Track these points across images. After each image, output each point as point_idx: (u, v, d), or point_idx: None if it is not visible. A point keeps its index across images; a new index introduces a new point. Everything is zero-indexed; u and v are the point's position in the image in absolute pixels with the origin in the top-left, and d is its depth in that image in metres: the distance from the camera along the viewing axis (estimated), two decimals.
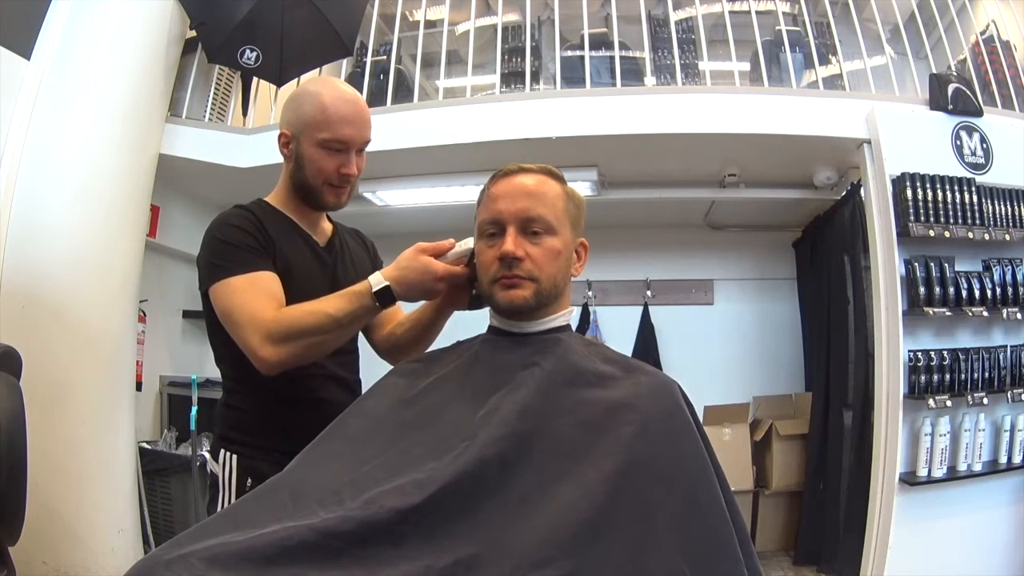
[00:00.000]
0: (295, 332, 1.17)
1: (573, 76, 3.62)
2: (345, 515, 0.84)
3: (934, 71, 3.13)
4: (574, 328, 1.17)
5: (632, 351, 4.23)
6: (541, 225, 1.07)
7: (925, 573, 2.61)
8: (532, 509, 0.87)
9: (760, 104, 3.02)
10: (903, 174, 2.78)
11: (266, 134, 3.21)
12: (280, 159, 1.37)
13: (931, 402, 2.65)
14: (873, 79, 3.23)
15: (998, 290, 2.79)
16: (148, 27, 2.97)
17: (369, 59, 3.73)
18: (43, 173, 2.70)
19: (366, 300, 1.18)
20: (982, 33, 3.53)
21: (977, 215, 2.80)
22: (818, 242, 3.87)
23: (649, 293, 4.39)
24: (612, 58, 3.57)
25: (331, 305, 1.19)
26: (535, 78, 3.97)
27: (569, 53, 3.84)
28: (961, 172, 2.84)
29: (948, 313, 2.72)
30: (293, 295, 1.24)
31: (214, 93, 3.60)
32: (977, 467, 2.74)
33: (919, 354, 2.70)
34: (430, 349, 1.36)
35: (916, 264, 2.74)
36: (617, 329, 4.30)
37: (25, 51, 2.73)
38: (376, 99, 3.55)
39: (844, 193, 3.41)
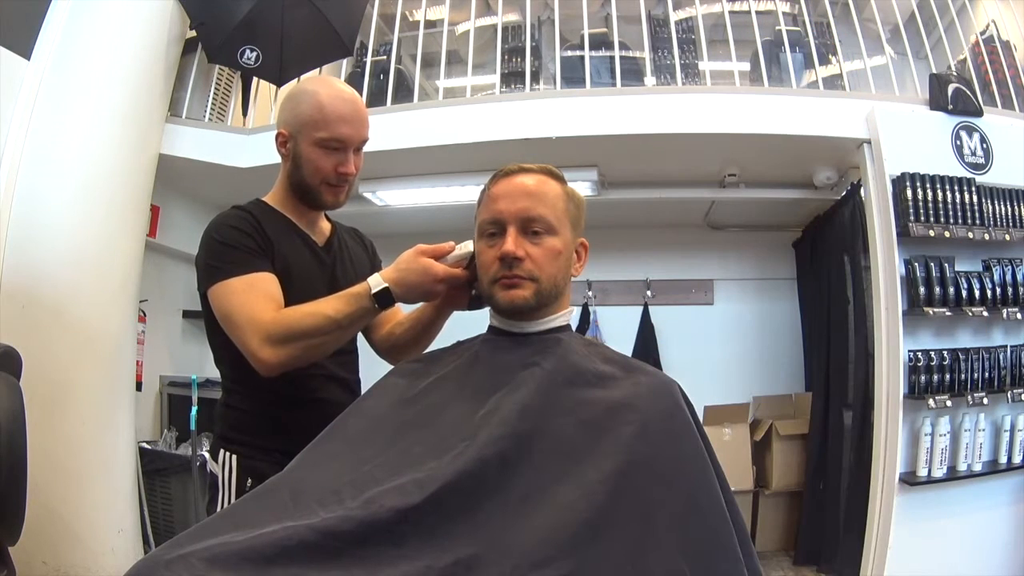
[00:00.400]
0: (294, 334, 1.17)
1: (573, 76, 3.62)
2: (345, 515, 0.84)
3: (934, 71, 3.13)
4: (574, 328, 1.17)
5: (632, 351, 4.23)
6: (541, 225, 1.07)
7: (925, 573, 2.61)
8: (532, 509, 0.87)
9: (760, 104, 3.02)
10: (903, 174, 2.78)
11: (266, 134, 3.20)
12: (280, 160, 1.36)
13: (931, 402, 2.65)
14: (873, 79, 3.23)
15: (998, 290, 2.79)
16: (148, 27, 2.97)
17: (369, 59, 3.73)
18: (43, 173, 2.69)
19: (365, 302, 1.18)
20: (982, 33, 3.53)
21: (977, 215, 2.80)
22: (818, 242, 3.87)
23: (649, 293, 4.39)
24: (612, 58, 3.57)
25: (330, 307, 1.18)
26: (535, 78, 3.98)
27: (569, 53, 3.84)
28: (961, 172, 2.84)
29: (948, 313, 2.72)
30: (292, 295, 1.24)
31: (214, 93, 3.60)
32: (977, 467, 2.74)
33: (919, 354, 2.69)
34: (430, 349, 1.36)
35: (916, 264, 2.74)
36: (617, 329, 4.30)
37: (25, 51, 2.73)
38: (376, 99, 3.55)
39: (844, 193, 3.41)
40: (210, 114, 3.57)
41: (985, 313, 2.75)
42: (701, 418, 1.02)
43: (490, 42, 3.86)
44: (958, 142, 2.89)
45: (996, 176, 2.89)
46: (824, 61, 3.52)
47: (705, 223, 4.23)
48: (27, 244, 2.63)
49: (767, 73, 3.35)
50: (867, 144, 2.91)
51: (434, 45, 4.00)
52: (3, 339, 1.75)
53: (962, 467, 2.72)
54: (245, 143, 3.31)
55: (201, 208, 3.78)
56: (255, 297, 1.20)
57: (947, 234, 2.73)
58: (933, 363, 2.70)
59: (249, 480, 1.26)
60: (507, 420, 0.94)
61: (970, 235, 2.76)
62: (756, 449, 3.75)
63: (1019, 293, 2.81)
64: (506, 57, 4.02)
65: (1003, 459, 2.77)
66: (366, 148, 1.36)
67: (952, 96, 2.91)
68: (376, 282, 1.18)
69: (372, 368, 1.38)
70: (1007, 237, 2.82)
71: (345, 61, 3.70)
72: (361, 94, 2.87)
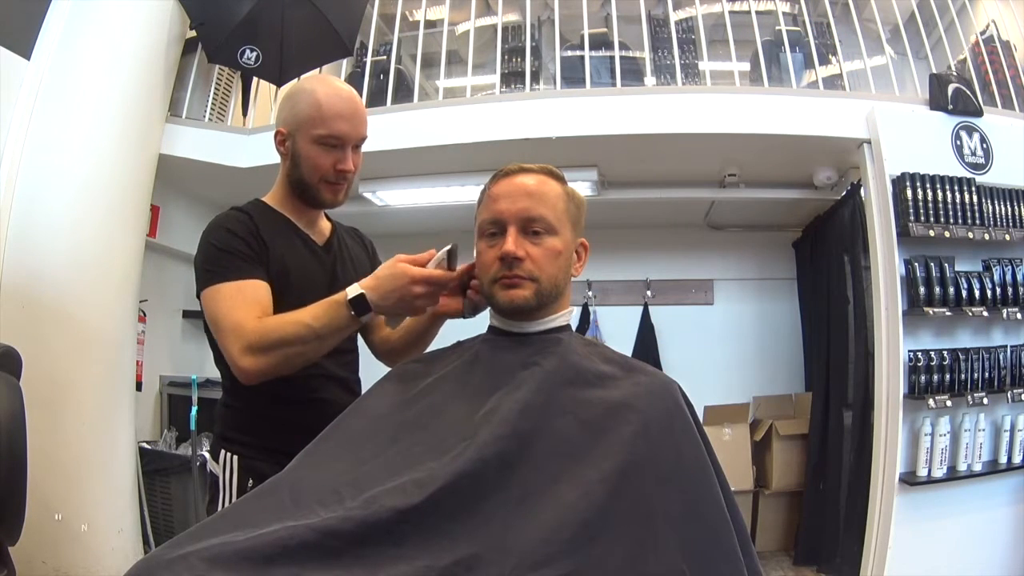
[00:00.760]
0: (273, 342, 1.15)
1: (573, 76, 3.62)
2: (345, 515, 0.84)
3: (934, 71, 3.13)
4: (574, 328, 1.17)
5: (632, 351, 4.23)
6: (542, 225, 1.07)
7: (925, 573, 2.61)
8: (532, 509, 0.87)
9: (760, 104, 3.02)
10: (903, 174, 2.78)
11: (266, 134, 3.20)
12: (279, 159, 1.36)
13: (931, 402, 2.65)
14: (873, 79, 3.23)
15: (998, 290, 2.79)
16: (148, 27, 2.97)
17: (369, 59, 3.73)
18: (43, 173, 2.69)
19: (342, 309, 1.15)
20: (982, 33, 3.54)
21: (977, 215, 2.80)
22: (818, 242, 3.87)
23: (649, 293, 4.39)
24: (612, 58, 3.57)
25: (309, 314, 1.16)
26: (535, 78, 3.98)
27: (569, 53, 3.84)
28: (961, 172, 2.84)
29: (948, 313, 2.72)
30: (292, 296, 1.24)
31: (214, 93, 3.60)
32: (977, 467, 2.74)
33: (919, 354, 2.69)
34: (430, 349, 1.36)
35: (916, 264, 2.74)
36: (617, 329, 4.30)
37: (25, 51, 2.72)
38: (376, 99, 3.55)
39: (844, 193, 3.41)
40: (210, 114, 3.57)
41: (985, 313, 2.75)
42: (701, 418, 1.02)
43: (490, 42, 3.86)
44: (958, 142, 2.89)
45: (996, 176, 2.89)
46: (824, 61, 3.52)
47: (705, 223, 4.23)
48: (27, 244, 2.63)
49: (767, 73, 3.35)
50: (867, 144, 2.91)
51: (434, 45, 4.00)
52: (3, 339, 1.75)
53: (962, 467, 2.72)
54: (245, 143, 3.31)
55: (201, 208, 3.77)
56: (241, 303, 1.19)
57: (947, 234, 2.73)
58: (933, 363, 2.70)
59: (250, 480, 1.25)
60: (507, 420, 0.94)
61: (970, 235, 2.76)
62: (756, 449, 3.76)
63: (1019, 293, 2.81)
64: (506, 57, 4.03)
65: (1003, 459, 2.77)
66: (366, 148, 1.36)
67: (952, 96, 2.91)
68: (353, 289, 1.16)
69: (372, 368, 1.38)
70: (1007, 237, 2.82)
71: (345, 61, 3.70)
72: (361, 94, 2.87)
